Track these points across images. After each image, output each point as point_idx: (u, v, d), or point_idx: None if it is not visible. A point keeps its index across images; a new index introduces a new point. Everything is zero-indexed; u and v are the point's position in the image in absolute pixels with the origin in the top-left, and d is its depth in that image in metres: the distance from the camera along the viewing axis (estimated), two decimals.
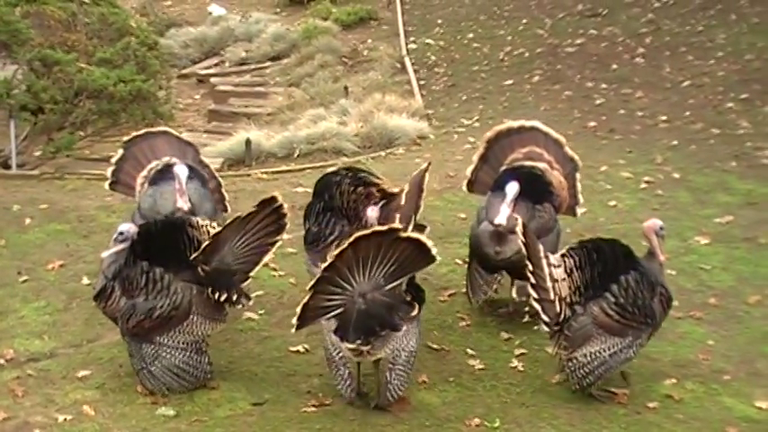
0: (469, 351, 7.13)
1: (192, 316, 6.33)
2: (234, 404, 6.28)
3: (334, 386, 6.37)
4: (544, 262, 6.36)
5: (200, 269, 6.28)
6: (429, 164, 7.25)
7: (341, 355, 6.20)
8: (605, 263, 6.48)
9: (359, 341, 5.92)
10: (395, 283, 5.94)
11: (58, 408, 6.20)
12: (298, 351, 7.00)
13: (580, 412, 6.32)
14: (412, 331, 6.20)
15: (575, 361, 6.45)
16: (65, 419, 6.04)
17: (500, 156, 7.96)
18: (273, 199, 6.31)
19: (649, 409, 6.43)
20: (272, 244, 6.35)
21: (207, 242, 6.25)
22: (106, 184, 8.25)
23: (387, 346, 6.08)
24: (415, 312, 6.18)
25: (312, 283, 5.87)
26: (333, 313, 5.91)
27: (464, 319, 7.62)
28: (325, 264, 5.85)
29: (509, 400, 6.48)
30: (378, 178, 7.52)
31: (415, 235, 5.97)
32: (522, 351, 7.15)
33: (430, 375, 6.74)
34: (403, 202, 6.87)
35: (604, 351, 6.44)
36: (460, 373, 6.82)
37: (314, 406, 6.25)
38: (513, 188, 7.16)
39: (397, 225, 6.10)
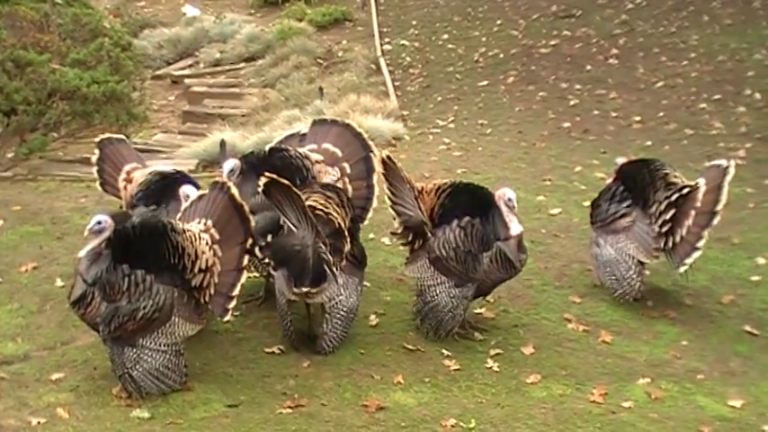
0: (445, 352, 7.13)
1: (173, 317, 6.31)
2: (209, 406, 6.26)
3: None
4: None
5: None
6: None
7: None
8: None
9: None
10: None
11: (32, 411, 6.15)
12: (273, 352, 6.98)
13: (555, 412, 6.33)
14: (351, 287, 6.94)
15: None
16: (38, 422, 5.99)
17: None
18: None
19: (624, 408, 6.46)
20: None
21: None
22: (97, 184, 8.50)
23: (324, 293, 6.81)
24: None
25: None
26: (288, 223, 6.67)
27: None
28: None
29: (484, 401, 6.49)
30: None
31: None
32: (498, 351, 7.16)
33: (405, 376, 6.74)
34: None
35: None
36: (436, 374, 6.82)
37: (289, 407, 6.23)
38: (513, 194, 7.17)
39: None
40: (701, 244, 7.73)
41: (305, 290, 6.72)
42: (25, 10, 14.15)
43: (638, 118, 13.94)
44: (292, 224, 6.68)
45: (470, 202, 7.25)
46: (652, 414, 6.40)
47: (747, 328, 7.87)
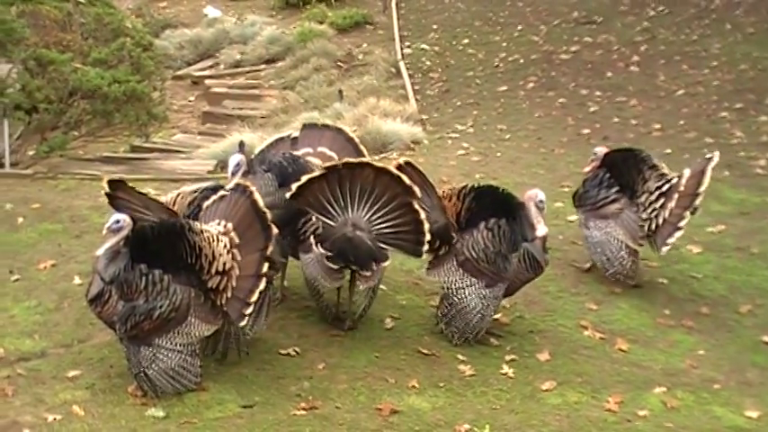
0: (460, 356, 7.12)
1: (190, 317, 6.31)
2: (223, 406, 6.26)
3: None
4: None
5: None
6: None
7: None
8: None
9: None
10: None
11: (48, 408, 6.17)
12: (288, 354, 6.97)
13: (570, 419, 6.31)
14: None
15: None
16: (54, 419, 6.00)
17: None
18: None
19: (639, 417, 6.43)
20: None
21: None
22: None
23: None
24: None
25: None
26: (322, 220, 6.88)
27: None
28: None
29: (499, 407, 6.48)
30: None
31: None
32: (513, 357, 7.15)
33: (420, 380, 6.73)
34: None
35: None
36: (450, 379, 6.81)
37: (303, 409, 6.23)
38: (544, 196, 7.22)
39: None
40: (682, 224, 8.03)
41: (369, 273, 6.97)
42: (48, 9, 14.25)
43: (658, 126, 13.88)
44: (336, 213, 6.86)
45: (495, 204, 7.27)
46: (667, 423, 6.37)
47: (765, 338, 7.83)
